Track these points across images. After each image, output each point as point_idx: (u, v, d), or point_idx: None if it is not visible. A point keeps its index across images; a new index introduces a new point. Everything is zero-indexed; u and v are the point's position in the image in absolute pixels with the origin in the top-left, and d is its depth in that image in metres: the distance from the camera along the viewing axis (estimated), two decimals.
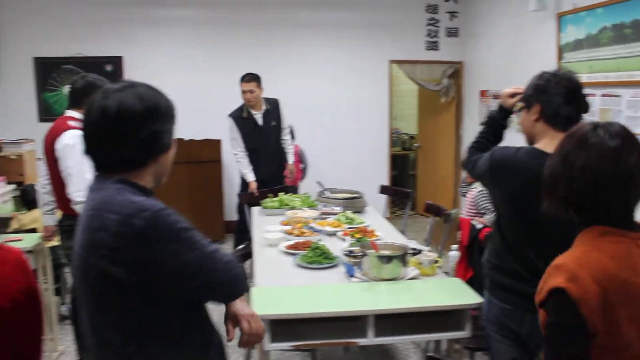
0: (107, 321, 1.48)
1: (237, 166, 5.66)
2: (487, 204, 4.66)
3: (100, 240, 1.39)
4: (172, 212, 1.46)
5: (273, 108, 5.63)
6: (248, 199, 5.11)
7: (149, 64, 6.88)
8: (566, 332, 1.37)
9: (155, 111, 1.49)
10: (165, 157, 1.56)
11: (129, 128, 1.45)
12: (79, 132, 3.17)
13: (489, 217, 4.55)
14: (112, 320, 1.47)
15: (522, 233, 2.17)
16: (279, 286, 2.85)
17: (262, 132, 5.55)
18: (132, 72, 6.84)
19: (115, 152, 1.47)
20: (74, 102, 3.39)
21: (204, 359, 1.62)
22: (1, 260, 1.62)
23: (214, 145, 6.71)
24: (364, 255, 2.88)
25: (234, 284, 1.59)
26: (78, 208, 3.12)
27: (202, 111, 6.75)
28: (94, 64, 6.76)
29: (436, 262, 3.05)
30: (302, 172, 6.38)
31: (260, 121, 5.55)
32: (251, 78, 5.46)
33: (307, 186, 6.24)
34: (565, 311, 1.36)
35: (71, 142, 3.15)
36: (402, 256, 2.87)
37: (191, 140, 6.47)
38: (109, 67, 6.86)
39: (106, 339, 1.49)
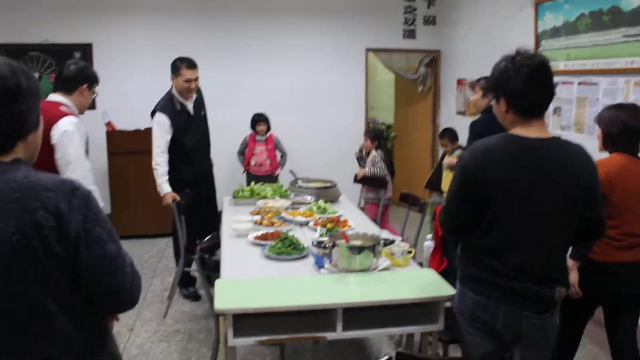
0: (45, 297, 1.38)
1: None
2: (380, 169, 5.51)
3: (43, 221, 1.33)
4: None
5: (199, 96, 4.74)
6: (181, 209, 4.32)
7: (120, 51, 6.66)
8: None
9: (18, 91, 1.39)
10: (35, 136, 1.49)
11: None
12: (75, 119, 3.07)
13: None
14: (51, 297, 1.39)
15: (498, 225, 2.06)
16: (246, 278, 2.73)
17: (197, 123, 4.67)
18: (102, 59, 6.60)
19: None
20: (65, 87, 3.25)
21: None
22: None
23: None
24: (334, 245, 2.77)
25: (136, 292, 1.51)
26: None
27: None
28: (62, 51, 6.54)
29: (409, 252, 2.96)
30: (280, 162, 6.26)
31: (192, 111, 4.64)
32: (194, 64, 4.50)
33: (281, 176, 6.13)
34: None
35: (70, 128, 3.04)
36: (373, 247, 2.77)
37: None
38: (77, 54, 6.62)
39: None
